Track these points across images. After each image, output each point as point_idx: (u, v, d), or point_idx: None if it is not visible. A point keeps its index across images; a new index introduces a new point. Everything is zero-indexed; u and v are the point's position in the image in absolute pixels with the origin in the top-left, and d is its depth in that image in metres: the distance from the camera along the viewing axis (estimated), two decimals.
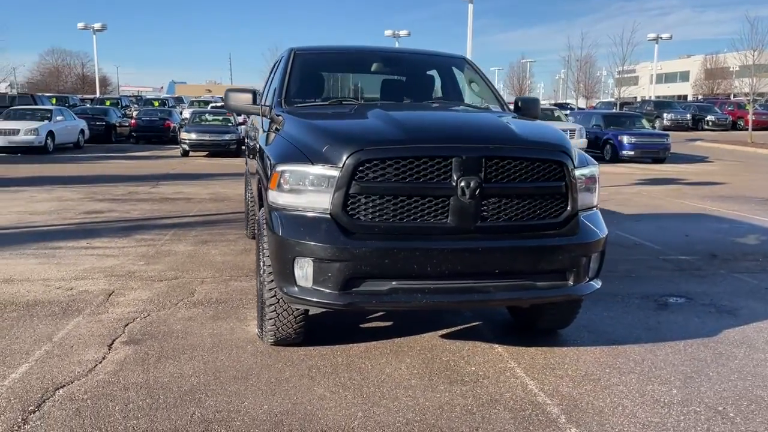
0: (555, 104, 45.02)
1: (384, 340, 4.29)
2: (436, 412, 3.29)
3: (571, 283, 3.69)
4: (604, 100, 53.95)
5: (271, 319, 3.87)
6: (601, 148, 21.90)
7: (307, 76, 5.12)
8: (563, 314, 4.27)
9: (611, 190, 13.10)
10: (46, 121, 20.31)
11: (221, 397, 3.40)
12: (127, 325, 4.50)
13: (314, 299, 3.47)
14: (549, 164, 3.61)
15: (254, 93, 4.79)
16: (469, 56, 29.47)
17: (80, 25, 38.35)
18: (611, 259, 6.57)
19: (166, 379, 3.61)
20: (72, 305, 4.91)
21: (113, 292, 5.30)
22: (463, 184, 3.41)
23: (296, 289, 3.51)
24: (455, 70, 5.60)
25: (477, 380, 3.69)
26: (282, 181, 3.55)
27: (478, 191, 3.44)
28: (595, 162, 4.05)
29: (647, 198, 12.14)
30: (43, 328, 4.41)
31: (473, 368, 3.87)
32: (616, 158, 20.97)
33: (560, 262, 3.62)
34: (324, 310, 3.76)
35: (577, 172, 3.74)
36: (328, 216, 3.46)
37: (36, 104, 25.23)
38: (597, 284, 3.87)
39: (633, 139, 21.17)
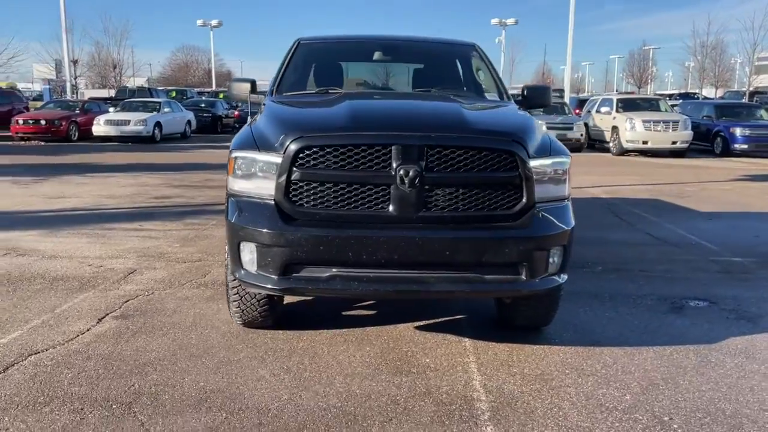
0: (680, 95, 42.40)
1: (356, 328, 4.31)
2: (360, 400, 3.29)
3: (524, 278, 3.54)
4: (733, 89, 50.14)
5: (234, 301, 4.01)
6: (711, 141, 20.48)
7: (307, 65, 5.21)
8: (538, 310, 4.10)
9: (699, 186, 12.26)
10: (154, 113, 21.85)
11: (167, 373, 3.57)
12: (127, 301, 4.80)
13: (257, 283, 3.57)
14: (498, 154, 3.48)
15: (252, 83, 4.95)
16: (569, 46, 28.30)
17: (199, 22, 40.73)
18: (651, 259, 6.24)
19: (129, 353, 3.84)
20: (91, 281, 5.31)
21: (134, 270, 5.66)
22: (402, 172, 3.37)
23: (243, 272, 3.62)
24: (464, 58, 5.48)
25: (423, 372, 3.64)
26: (236, 167, 3.67)
27: (417, 180, 3.38)
28: (566, 152, 3.84)
29: (737, 195, 11.23)
30: (54, 300, 4.80)
31: (428, 360, 3.81)
32: (727, 152, 19.52)
33: (510, 255, 3.48)
34: (271, 294, 3.82)
35: (536, 163, 3.57)
36: (273, 202, 3.53)
37: (152, 97, 27.13)
38: (559, 279, 3.69)
39: (747, 132, 19.60)
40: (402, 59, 5.52)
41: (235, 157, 3.67)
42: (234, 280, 3.88)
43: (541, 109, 22.62)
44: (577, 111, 24.92)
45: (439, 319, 4.53)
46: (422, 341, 4.11)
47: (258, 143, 3.62)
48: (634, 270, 5.95)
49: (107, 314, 4.52)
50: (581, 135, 20.56)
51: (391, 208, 3.45)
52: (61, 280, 5.33)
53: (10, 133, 21.57)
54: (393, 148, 3.38)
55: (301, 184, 3.48)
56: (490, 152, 3.47)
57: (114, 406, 3.17)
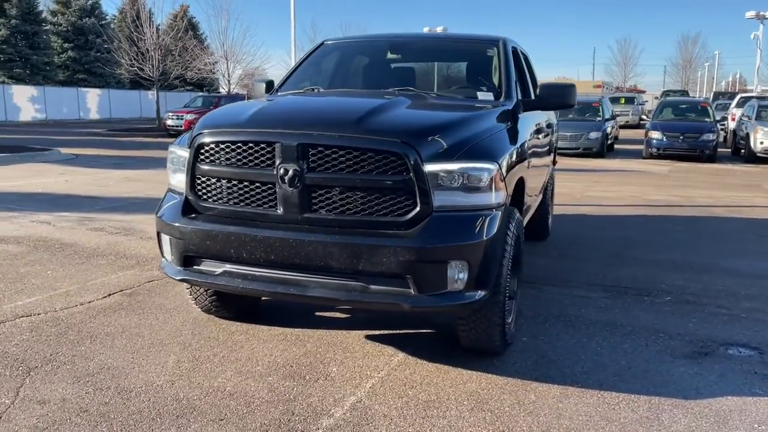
0: None
1: (310, 329, 4.25)
2: (219, 397, 3.28)
3: (413, 291, 3.22)
4: None
5: (187, 289, 4.23)
6: None
7: (318, 65, 5.22)
8: (475, 333, 3.67)
9: None
10: None
11: (94, 346, 3.89)
12: (149, 282, 5.29)
13: (167, 272, 3.74)
14: (384, 156, 3.20)
15: (269, 83, 5.12)
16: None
17: (425, 29, 42.03)
18: (750, 294, 5.19)
19: (94, 325, 4.25)
20: (140, 262, 5.91)
21: None
22: (281, 171, 3.29)
23: (163, 261, 3.81)
24: (478, 54, 5.03)
25: (315, 381, 3.49)
26: (168, 162, 3.88)
27: (298, 180, 3.27)
28: (488, 157, 3.37)
29: None
30: (92, 274, 5.47)
31: (335, 370, 3.64)
32: None
33: (391, 266, 3.17)
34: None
35: (435, 167, 3.21)
36: (183, 196, 3.67)
37: None
38: (468, 298, 3.27)
39: None
40: (414, 58, 5.26)
41: (169, 152, 3.88)
42: None
43: (672, 114, 19.80)
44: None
45: (400, 331, 4.28)
46: (355, 350, 3.92)
47: (184, 139, 3.78)
48: (709, 305, 4.98)
49: (121, 290, 5.02)
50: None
51: (278, 207, 3.38)
52: (125, 258, 6.02)
53: None
54: (276, 146, 3.31)
55: (203, 179, 3.57)
56: (376, 154, 3.20)
57: (20, 368, 3.56)
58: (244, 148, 3.39)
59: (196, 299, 4.25)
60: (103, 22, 44.53)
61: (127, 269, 5.62)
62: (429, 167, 3.19)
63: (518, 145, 4.07)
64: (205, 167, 3.53)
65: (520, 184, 4.14)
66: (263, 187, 3.40)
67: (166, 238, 3.70)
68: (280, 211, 3.37)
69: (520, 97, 4.56)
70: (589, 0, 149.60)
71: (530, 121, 4.76)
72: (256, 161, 3.38)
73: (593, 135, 19.18)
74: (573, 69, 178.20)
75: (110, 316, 4.42)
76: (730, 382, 3.59)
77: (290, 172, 3.26)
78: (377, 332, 4.24)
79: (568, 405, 3.27)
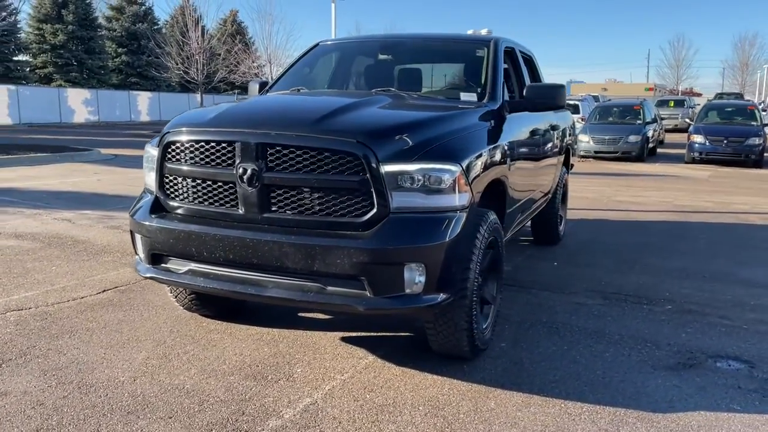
0: None
1: (288, 330, 4.24)
2: (174, 395, 3.29)
3: (369, 294, 3.17)
4: None
5: (167, 287, 4.28)
6: None
7: (311, 66, 5.21)
8: (441, 337, 3.60)
9: None
10: None
11: (71, 341, 3.97)
12: (145, 279, 5.36)
13: (137, 269, 3.79)
14: (340, 156, 3.16)
15: (262, 84, 5.15)
16: None
17: (469, 31, 41.75)
18: (762, 305, 4.97)
19: (78, 321, 4.34)
20: None
21: None
22: (240, 171, 3.29)
23: (136, 258, 3.87)
24: (467, 55, 4.93)
25: (276, 381, 3.48)
26: (144, 161, 3.93)
27: (256, 180, 3.27)
28: (450, 158, 3.29)
29: None
30: (94, 270, 5.59)
31: (299, 371, 3.62)
32: None
33: (345, 267, 3.13)
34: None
35: (393, 168, 3.16)
36: (153, 195, 3.72)
37: None
38: (426, 301, 3.21)
39: None
40: (405, 59, 5.18)
41: (144, 151, 3.93)
42: None
43: (718, 118, 18.95)
44: None
45: (380, 333, 4.23)
46: (327, 352, 3.89)
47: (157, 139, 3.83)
48: (710, 315, 4.77)
49: (115, 287, 5.12)
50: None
51: (239, 207, 3.38)
52: (131, 255, 6.12)
53: None
54: (236, 145, 3.31)
55: (170, 178, 3.61)
56: (332, 154, 3.17)
57: None
58: (207, 147, 3.41)
59: (176, 297, 4.29)
60: (155, 27, 45.74)
61: (129, 266, 5.73)
62: (386, 168, 3.14)
63: (497, 146, 3.97)
64: (172, 166, 3.57)
65: (499, 186, 4.05)
66: (225, 187, 3.41)
67: (137, 237, 3.75)
68: (241, 210, 3.38)
69: (506, 98, 4.45)
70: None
71: (521, 123, 4.64)
72: (217, 160, 3.39)
73: (632, 138, 18.69)
74: (626, 72, 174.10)
75: (97, 312, 4.51)
76: (709, 396, 3.41)
77: (249, 172, 3.26)
78: (355, 334, 4.20)
79: (526, 414, 3.17)
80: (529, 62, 6.06)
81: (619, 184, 13.31)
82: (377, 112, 3.72)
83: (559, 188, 6.77)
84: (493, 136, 3.99)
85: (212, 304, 4.30)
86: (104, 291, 5.01)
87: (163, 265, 3.64)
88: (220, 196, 3.44)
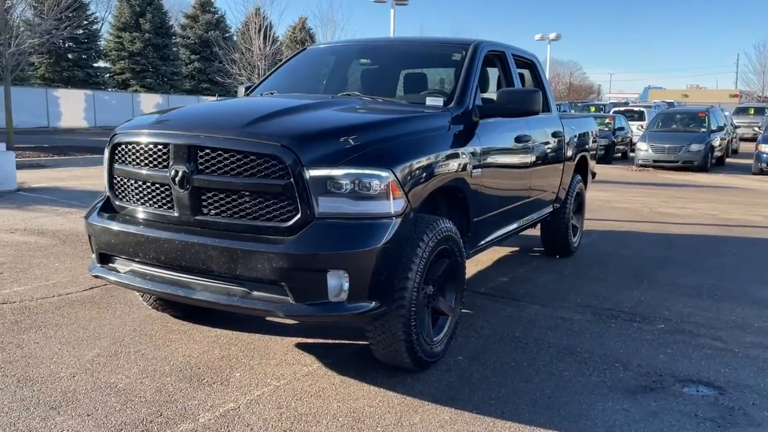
0: None
1: (245, 332, 4.22)
2: (105, 393, 3.33)
3: (290, 300, 3.12)
4: None
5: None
6: None
7: (294, 70, 5.20)
8: (380, 346, 3.50)
9: None
10: None
11: (35, 336, 4.08)
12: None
13: (88, 268, 3.86)
14: (265, 159, 3.12)
15: (247, 88, 5.19)
16: None
17: (537, 36, 40.90)
18: (730, 320, 4.66)
19: (51, 316, 4.46)
20: None
21: None
22: (172, 173, 3.31)
23: (91, 259, 3.94)
24: (443, 60, 4.80)
25: (209, 384, 3.46)
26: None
27: (186, 182, 3.27)
28: (381, 164, 3.18)
29: None
30: None
31: (237, 375, 3.59)
32: None
33: (265, 272, 3.08)
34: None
35: (320, 172, 3.09)
36: (105, 195, 3.79)
37: None
38: (347, 309, 3.12)
39: None
40: (383, 63, 5.07)
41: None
42: None
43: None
44: None
45: (338, 341, 4.16)
46: (275, 357, 3.86)
47: None
48: (703, 336, 4.46)
49: (104, 284, 5.24)
50: None
51: (174, 209, 3.39)
52: None
53: None
54: (170, 147, 3.33)
55: (117, 179, 3.67)
56: (257, 157, 3.13)
57: None
58: (145, 149, 3.44)
59: (143, 297, 4.36)
60: (227, 34, 47.15)
61: None
62: (312, 173, 3.08)
63: (454, 152, 3.84)
64: (118, 167, 3.62)
65: (457, 192, 3.91)
66: (161, 188, 3.43)
67: (90, 237, 3.83)
68: (176, 213, 3.39)
69: (477, 103, 4.29)
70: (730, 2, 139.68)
71: (496, 128, 4.47)
72: (154, 162, 3.42)
73: (694, 147, 17.85)
74: (711, 77, 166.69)
75: (74, 308, 4.63)
76: (657, 422, 3.17)
77: (180, 174, 3.27)
78: (312, 340, 4.14)
79: (446, 431, 3.02)
80: (531, 67, 5.85)
81: (668, 194, 12.71)
82: (315, 115, 3.66)
83: (570, 197, 6.50)
84: (450, 141, 3.86)
85: (176, 305, 4.33)
86: (92, 288, 5.15)
87: (110, 264, 3.70)
88: (158, 197, 3.46)
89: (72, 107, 34.90)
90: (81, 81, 38.67)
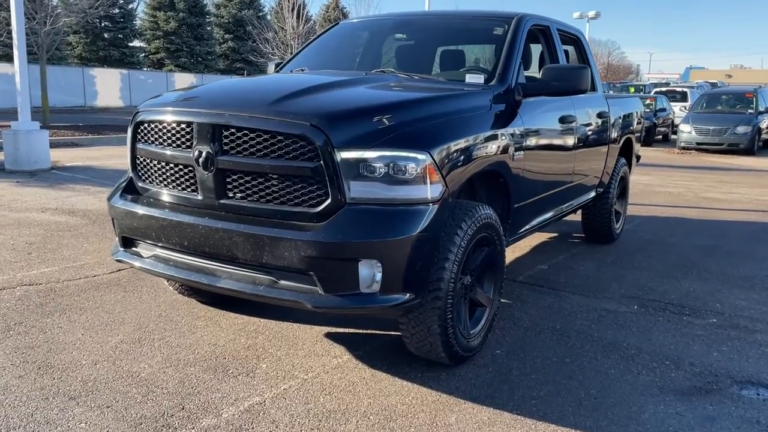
0: None
1: (273, 320, 4.06)
2: (127, 379, 3.19)
3: (319, 291, 2.92)
4: None
5: None
6: None
7: (326, 45, 4.96)
8: (415, 339, 3.30)
9: None
10: None
11: (59, 320, 3.97)
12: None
13: (112, 253, 3.72)
14: (292, 140, 2.91)
15: (277, 64, 4.99)
16: None
17: (575, 14, 39.82)
18: None
19: (77, 299, 4.36)
20: None
21: None
22: (196, 153, 3.12)
23: (114, 243, 3.80)
24: (483, 34, 4.50)
25: (234, 376, 3.30)
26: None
27: (211, 163, 3.09)
28: (417, 146, 2.95)
29: None
30: None
31: (264, 366, 3.43)
32: None
33: (292, 261, 2.88)
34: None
35: (351, 154, 2.87)
36: (128, 176, 3.64)
37: None
38: (380, 301, 2.91)
39: None
40: (419, 38, 4.79)
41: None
42: None
43: None
44: None
45: (370, 331, 3.97)
46: (303, 347, 3.68)
47: None
48: (761, 333, 4.16)
49: (131, 267, 5.13)
50: None
51: (198, 192, 3.22)
52: None
53: None
54: (193, 126, 3.14)
55: (141, 159, 3.50)
56: (285, 137, 2.92)
57: None
58: (168, 128, 3.27)
59: (168, 281, 4.22)
60: (260, 13, 46.99)
61: None
62: (343, 155, 2.86)
63: (495, 132, 3.59)
64: (141, 146, 3.46)
65: (498, 177, 3.67)
66: (185, 170, 3.25)
67: (113, 221, 3.69)
68: (200, 196, 3.21)
69: (520, 81, 4.02)
70: None
71: (540, 108, 4.20)
72: (177, 142, 3.24)
73: (741, 129, 17.17)
74: (755, 58, 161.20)
75: (99, 291, 4.53)
76: (716, 430, 2.91)
77: (203, 155, 3.08)
78: (343, 330, 3.96)
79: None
80: (576, 43, 5.52)
81: (712, 178, 12.22)
82: (347, 93, 3.44)
83: (614, 181, 6.18)
84: (491, 121, 3.60)
85: (202, 291, 4.18)
86: (119, 271, 5.04)
87: (133, 248, 3.55)
88: (181, 180, 3.29)
89: (108, 86, 35.26)
90: (117, 60, 39.01)
